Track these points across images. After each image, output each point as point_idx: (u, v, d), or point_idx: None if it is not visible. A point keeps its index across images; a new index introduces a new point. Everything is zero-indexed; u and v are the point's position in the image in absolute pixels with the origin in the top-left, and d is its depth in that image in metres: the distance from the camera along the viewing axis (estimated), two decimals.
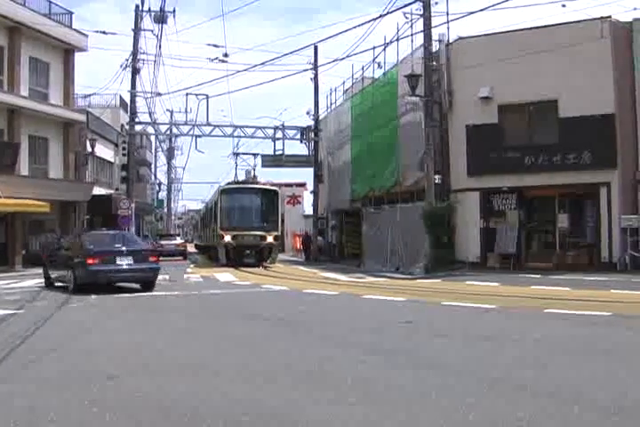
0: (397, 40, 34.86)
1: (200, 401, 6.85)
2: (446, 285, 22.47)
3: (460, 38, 32.11)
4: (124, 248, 21.19)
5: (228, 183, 45.29)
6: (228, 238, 38.47)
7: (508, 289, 19.93)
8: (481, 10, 28.23)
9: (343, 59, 37.50)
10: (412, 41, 33.65)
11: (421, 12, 31.21)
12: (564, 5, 26.64)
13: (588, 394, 6.95)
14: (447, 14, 31.47)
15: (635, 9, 30.26)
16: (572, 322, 12.70)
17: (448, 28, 32.59)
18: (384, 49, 36.30)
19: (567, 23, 28.51)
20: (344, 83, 45.59)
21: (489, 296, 17.72)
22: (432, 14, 31.08)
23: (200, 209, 75.27)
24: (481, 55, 30.04)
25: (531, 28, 29.56)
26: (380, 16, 32.01)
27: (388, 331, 11.87)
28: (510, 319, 13.62)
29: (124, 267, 20.65)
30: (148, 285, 21.19)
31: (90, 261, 20.24)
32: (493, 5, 26.55)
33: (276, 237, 39.62)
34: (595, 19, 27.98)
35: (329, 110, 49.27)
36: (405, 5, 31.27)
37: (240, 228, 38.86)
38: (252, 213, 40.73)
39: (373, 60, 38.14)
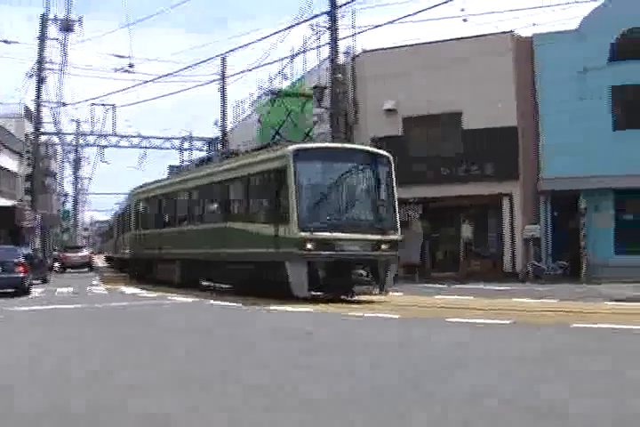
0: (304, 52, 35.01)
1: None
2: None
3: (366, 51, 32.39)
4: None
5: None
6: (311, 246, 19.01)
7: (416, 299, 19.97)
8: (386, 23, 28.54)
9: (250, 70, 37.76)
10: (318, 53, 33.85)
11: (328, 25, 31.37)
12: (465, 20, 27.16)
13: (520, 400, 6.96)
14: (353, 27, 31.74)
15: (534, 25, 31.01)
16: (476, 329, 12.79)
17: (354, 41, 32.89)
18: (291, 61, 36.42)
19: (471, 37, 29.08)
20: (252, 95, 45.51)
21: (394, 306, 17.74)
22: (339, 27, 31.27)
23: (117, 211, 55.41)
24: (386, 68, 30.31)
25: (436, 42, 30.04)
26: (288, 28, 32.06)
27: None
28: (414, 327, 13.66)
29: None
30: (19, 289, 23.90)
31: None
32: (399, 19, 26.93)
33: (393, 244, 20.32)
34: (497, 33, 28.59)
35: (237, 122, 49.06)
36: (313, 17, 31.39)
37: (339, 226, 19.52)
38: (355, 197, 20.92)
39: (280, 71, 38.21)
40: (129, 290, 26.61)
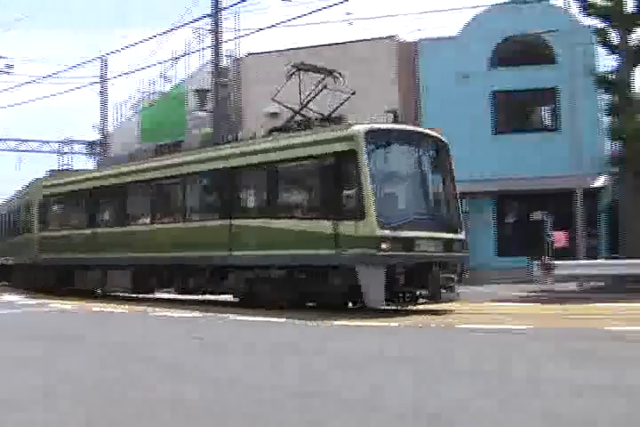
0: (187, 55, 34.56)
1: None
2: None
3: (251, 54, 32.22)
4: None
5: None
6: (388, 246, 15.53)
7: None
8: (270, 26, 28.44)
9: (133, 72, 36.95)
10: (202, 56, 33.49)
11: (211, 27, 31.05)
12: (350, 23, 27.25)
13: (376, 400, 6.83)
14: (237, 30, 31.53)
15: (419, 30, 31.46)
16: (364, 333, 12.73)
17: (238, 44, 32.69)
18: (174, 63, 35.89)
19: (355, 41, 29.23)
20: (132, 97, 44.70)
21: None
22: (223, 30, 31.01)
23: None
24: (270, 71, 30.13)
25: (320, 46, 30.05)
26: (171, 30, 31.55)
27: None
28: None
29: None
30: None
31: None
32: (283, 22, 26.76)
33: (463, 243, 17.45)
34: (381, 38, 28.81)
35: (118, 125, 48.14)
36: (196, 20, 31.09)
37: (416, 222, 16.41)
38: (428, 189, 17.91)
39: (162, 74, 37.66)
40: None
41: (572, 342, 10.81)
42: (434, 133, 18.06)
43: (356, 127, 16.35)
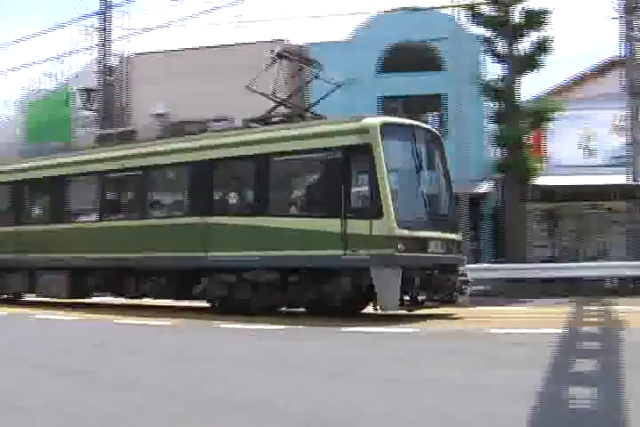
0: (75, 52, 33.75)
1: None
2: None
3: (139, 54, 31.72)
4: None
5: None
6: (403, 246, 14.56)
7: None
8: (159, 27, 28.13)
9: (14, 70, 35.78)
10: (90, 54, 32.76)
11: (99, 25, 30.47)
12: (240, 26, 27.07)
13: (283, 408, 6.67)
14: (127, 29, 31.02)
15: (308, 35, 31.44)
16: (256, 337, 12.61)
17: (127, 43, 32.17)
18: (59, 62, 34.99)
19: (244, 44, 29.04)
20: (16, 96, 43.47)
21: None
22: (112, 28, 30.47)
23: None
24: (158, 71, 29.77)
25: (210, 47, 29.83)
26: (57, 26, 30.87)
27: None
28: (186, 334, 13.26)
29: None
30: None
31: None
32: (173, 22, 26.41)
33: (461, 245, 17.02)
34: (270, 41, 28.63)
35: (2, 125, 46.74)
36: (84, 17, 30.41)
37: (427, 222, 15.66)
38: (434, 187, 16.85)
39: (48, 72, 36.70)
40: None
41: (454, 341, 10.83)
42: (434, 129, 17.57)
43: (371, 119, 15.39)
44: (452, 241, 15.89)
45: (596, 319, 14.69)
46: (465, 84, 25.96)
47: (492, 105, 25.83)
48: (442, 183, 16.65)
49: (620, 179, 24.79)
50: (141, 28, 39.47)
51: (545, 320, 14.51)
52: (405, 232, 14.45)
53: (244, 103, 28.55)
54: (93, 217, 19.81)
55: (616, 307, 16.83)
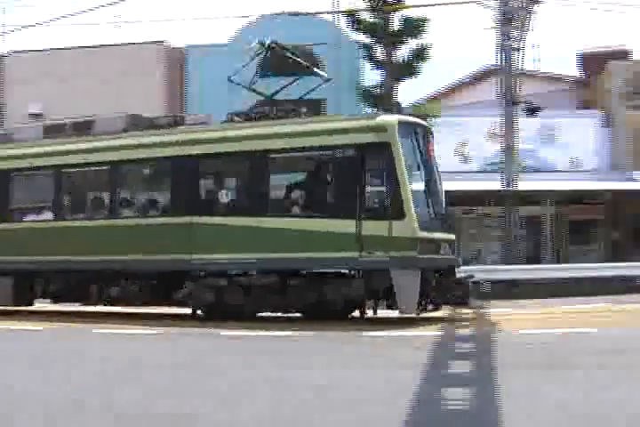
0: None
1: None
2: None
3: (14, 52, 31.06)
4: None
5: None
6: (424, 248, 14.47)
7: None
8: (35, 24, 27.67)
9: None
10: None
11: None
12: (119, 26, 26.79)
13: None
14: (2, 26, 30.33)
15: (189, 36, 31.31)
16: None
17: (1, 42, 31.42)
18: None
19: (122, 45, 28.68)
20: None
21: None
22: None
23: None
24: (35, 71, 29.15)
25: (88, 47, 29.40)
26: None
27: None
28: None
29: None
30: None
31: None
32: (53, 20, 25.89)
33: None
34: (149, 43, 28.42)
35: None
36: None
37: (435, 223, 15.39)
38: (436, 186, 16.13)
39: None
40: None
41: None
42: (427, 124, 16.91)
43: (387, 117, 15.00)
44: (452, 242, 15.59)
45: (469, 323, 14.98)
46: (344, 90, 26.17)
47: (370, 111, 26.09)
48: (440, 181, 16.19)
49: (494, 185, 25.27)
50: (15, 27, 38.61)
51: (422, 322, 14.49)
52: (425, 234, 14.18)
53: (120, 105, 28.35)
54: (48, 215, 17.83)
55: (489, 310, 17.04)
